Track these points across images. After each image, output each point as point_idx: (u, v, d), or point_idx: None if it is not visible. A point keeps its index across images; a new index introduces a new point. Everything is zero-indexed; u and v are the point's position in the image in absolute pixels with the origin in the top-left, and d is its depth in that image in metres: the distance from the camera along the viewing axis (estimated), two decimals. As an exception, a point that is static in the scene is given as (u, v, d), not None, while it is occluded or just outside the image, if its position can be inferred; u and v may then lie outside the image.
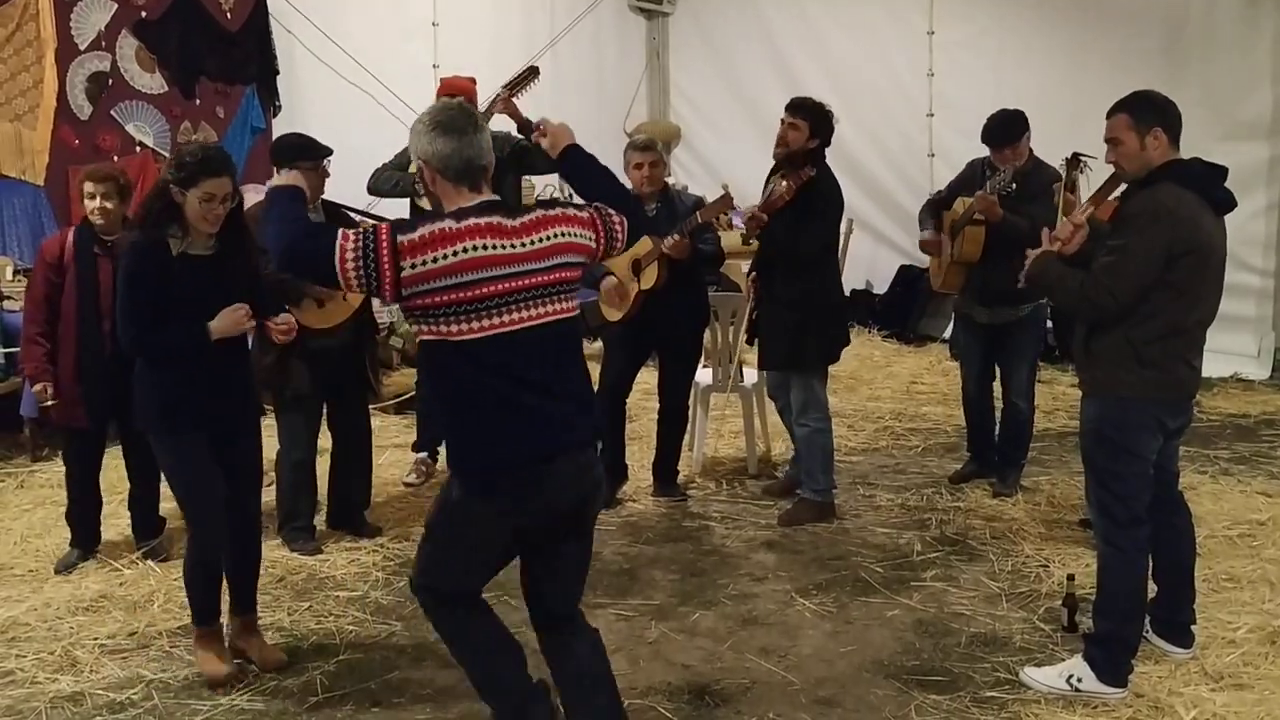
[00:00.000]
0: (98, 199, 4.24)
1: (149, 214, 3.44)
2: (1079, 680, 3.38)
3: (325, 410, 4.69)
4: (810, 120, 4.74)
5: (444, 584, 2.85)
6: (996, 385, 5.32)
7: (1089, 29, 8.02)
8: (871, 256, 9.14)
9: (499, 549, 2.77)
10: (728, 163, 9.55)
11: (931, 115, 8.90)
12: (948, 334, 8.13)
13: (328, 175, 4.44)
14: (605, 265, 4.71)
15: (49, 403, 4.30)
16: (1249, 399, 6.91)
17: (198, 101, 7.25)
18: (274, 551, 4.45)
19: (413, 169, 5.18)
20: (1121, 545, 3.36)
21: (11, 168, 6.32)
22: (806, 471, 4.98)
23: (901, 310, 8.93)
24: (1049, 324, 6.69)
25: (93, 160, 6.15)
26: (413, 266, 2.51)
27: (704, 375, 5.69)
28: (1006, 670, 3.56)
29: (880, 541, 4.71)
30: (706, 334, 5.46)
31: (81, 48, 6.64)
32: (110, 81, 6.77)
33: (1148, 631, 3.60)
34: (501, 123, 4.96)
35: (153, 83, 7.01)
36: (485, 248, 2.56)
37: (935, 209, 5.26)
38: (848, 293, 7.60)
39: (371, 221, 4.57)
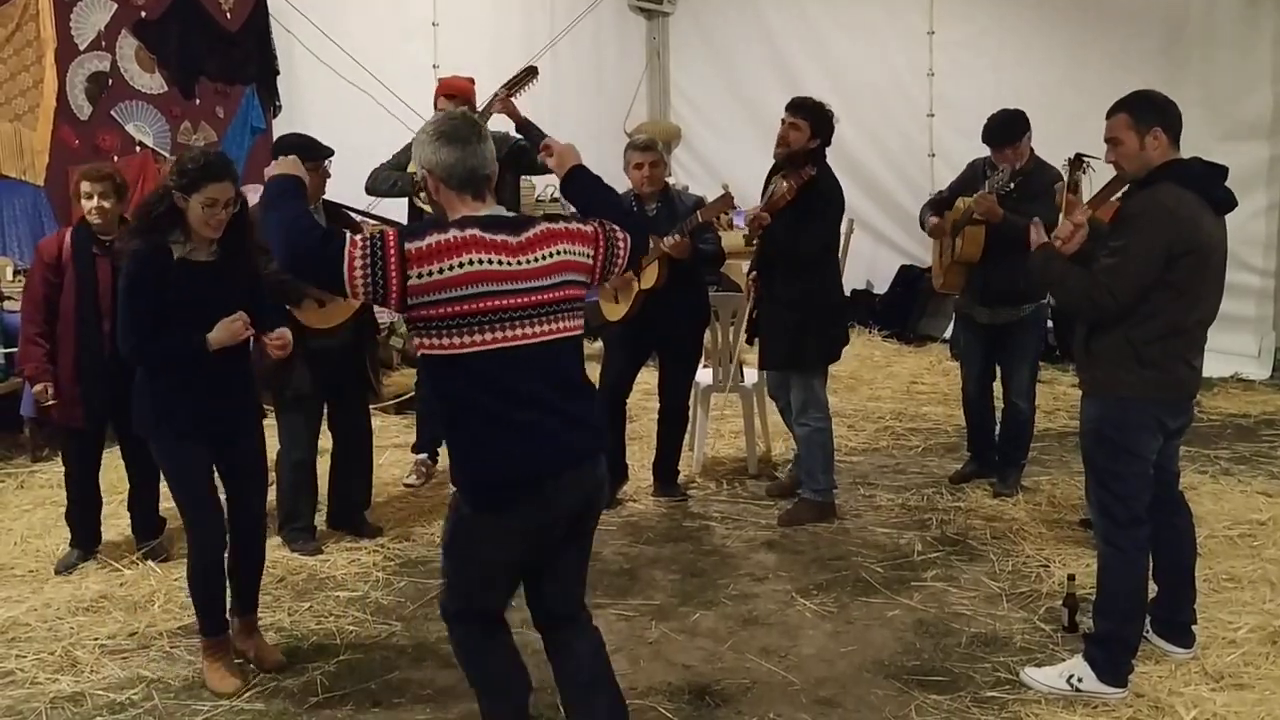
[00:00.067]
0: (95, 198, 4.23)
1: (151, 219, 3.43)
2: (1079, 680, 3.38)
3: (325, 410, 4.69)
4: (811, 120, 4.74)
5: (472, 603, 2.82)
6: (997, 385, 5.32)
7: (1089, 29, 8.02)
8: (871, 256, 9.13)
9: (516, 559, 2.75)
10: (728, 163, 9.55)
11: (931, 115, 8.90)
12: (948, 334, 8.13)
13: (328, 175, 4.44)
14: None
15: (50, 403, 4.30)
16: (1249, 399, 6.91)
17: (197, 101, 7.25)
18: (274, 551, 4.44)
19: (411, 168, 5.19)
20: (1122, 545, 3.36)
21: (11, 168, 6.32)
22: (807, 471, 4.98)
23: (901, 310, 8.93)
24: (1049, 324, 6.69)
25: (93, 160, 6.14)
26: (419, 276, 2.50)
27: (704, 375, 5.69)
28: (1007, 670, 3.56)
29: (880, 541, 4.71)
30: (706, 334, 5.46)
31: (81, 48, 6.64)
32: (110, 81, 6.77)
33: (1148, 631, 3.60)
34: (500, 123, 4.96)
35: (152, 83, 7.01)
36: (487, 262, 2.54)
37: (936, 209, 5.25)
38: (848, 293, 7.61)
39: (374, 222, 4.61)
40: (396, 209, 5.39)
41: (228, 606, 3.64)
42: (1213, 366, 5.27)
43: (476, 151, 2.65)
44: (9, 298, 5.88)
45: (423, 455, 5.57)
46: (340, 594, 4.22)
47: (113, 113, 6.80)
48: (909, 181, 8.99)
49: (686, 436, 5.45)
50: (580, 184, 2.95)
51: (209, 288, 3.44)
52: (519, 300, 2.58)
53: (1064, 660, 3.53)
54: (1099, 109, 3.43)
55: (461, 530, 2.72)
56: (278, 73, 7.63)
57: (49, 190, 6.37)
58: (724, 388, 5.68)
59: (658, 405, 5.28)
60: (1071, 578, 3.89)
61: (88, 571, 4.42)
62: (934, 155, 8.84)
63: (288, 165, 2.84)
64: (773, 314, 4.88)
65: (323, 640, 3.85)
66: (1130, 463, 3.33)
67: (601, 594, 4.15)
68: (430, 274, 2.50)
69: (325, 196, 4.45)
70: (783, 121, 4.80)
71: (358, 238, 2.56)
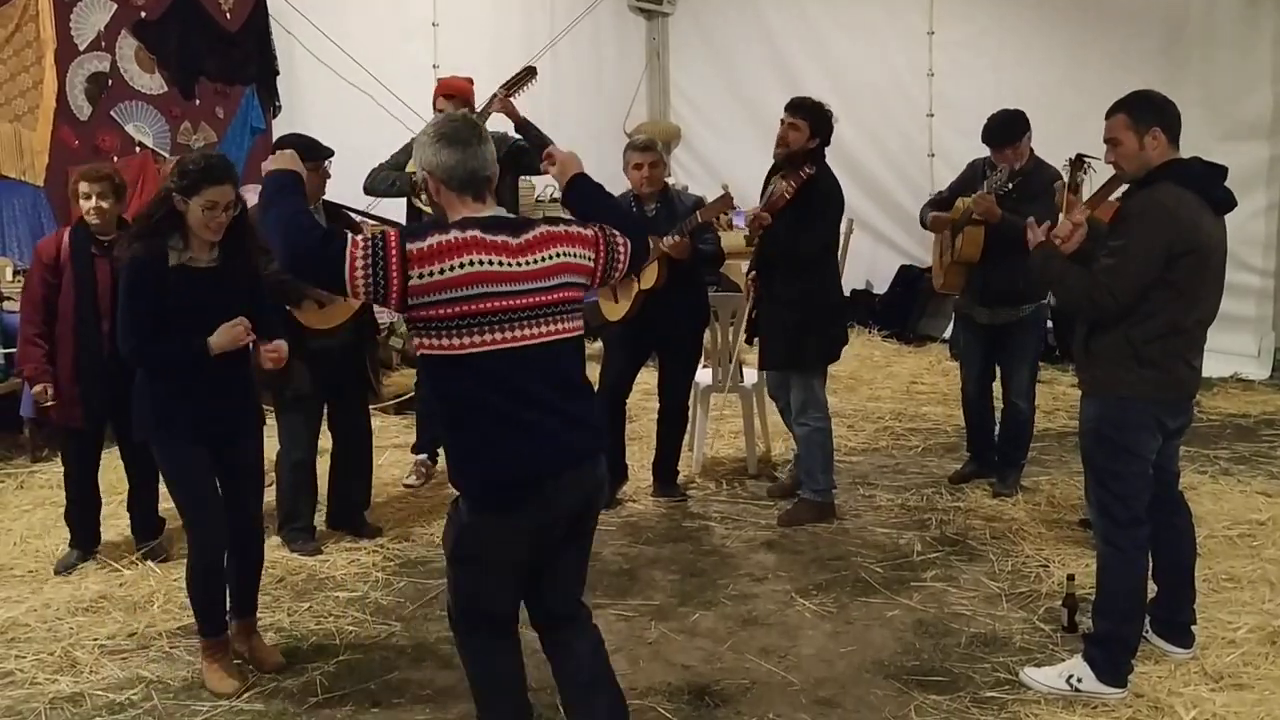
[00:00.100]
0: (93, 199, 4.23)
1: (151, 223, 3.44)
2: (1079, 680, 3.38)
3: (325, 410, 4.69)
4: (810, 120, 4.74)
5: (481, 606, 2.80)
6: (996, 385, 5.32)
7: (1089, 29, 8.02)
8: (871, 256, 9.13)
9: (520, 559, 2.74)
10: (728, 163, 9.55)
11: (931, 115, 8.90)
12: (948, 334, 8.13)
13: (329, 176, 4.44)
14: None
15: (49, 403, 4.29)
16: (1249, 399, 6.91)
17: (197, 102, 7.25)
18: (274, 552, 4.44)
19: (410, 168, 5.19)
20: (1121, 545, 3.36)
21: (11, 168, 6.32)
22: (806, 471, 4.98)
23: (901, 310, 8.93)
24: (1049, 324, 6.69)
25: (93, 161, 6.14)
26: (420, 277, 2.50)
27: (704, 375, 5.69)
28: (1006, 670, 3.56)
29: (880, 541, 4.71)
30: (706, 334, 5.46)
31: (81, 48, 6.63)
32: (110, 82, 6.77)
33: (1148, 631, 3.60)
34: (499, 123, 4.97)
35: (152, 83, 7.01)
36: (487, 263, 2.55)
37: (936, 209, 5.25)
38: (847, 293, 7.62)
39: (373, 223, 4.61)
40: (395, 209, 5.39)
41: (227, 608, 3.64)
42: (1212, 366, 5.27)
43: (477, 153, 2.65)
44: (9, 298, 5.88)
45: (422, 456, 5.57)
46: (340, 594, 4.22)
47: (112, 113, 6.79)
48: (909, 181, 8.99)
49: (686, 437, 5.45)
50: (582, 192, 2.96)
51: (209, 292, 3.43)
52: (518, 301, 2.58)
53: (1063, 660, 3.53)
54: (1099, 109, 3.43)
55: (466, 534, 2.70)
56: (278, 73, 7.63)
57: (49, 191, 6.37)
58: (724, 388, 5.68)
59: (657, 405, 5.28)
60: (1071, 578, 3.89)
61: (87, 572, 4.42)
62: (934, 155, 8.84)
63: (285, 160, 2.84)
64: (772, 314, 4.88)
65: (322, 640, 3.85)
66: (1130, 462, 3.33)
67: (601, 594, 4.15)
68: (431, 274, 2.51)
69: (325, 197, 4.45)
70: (782, 122, 4.80)
71: (359, 238, 2.56)
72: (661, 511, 5.13)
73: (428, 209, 5.14)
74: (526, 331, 2.59)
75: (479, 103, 5.25)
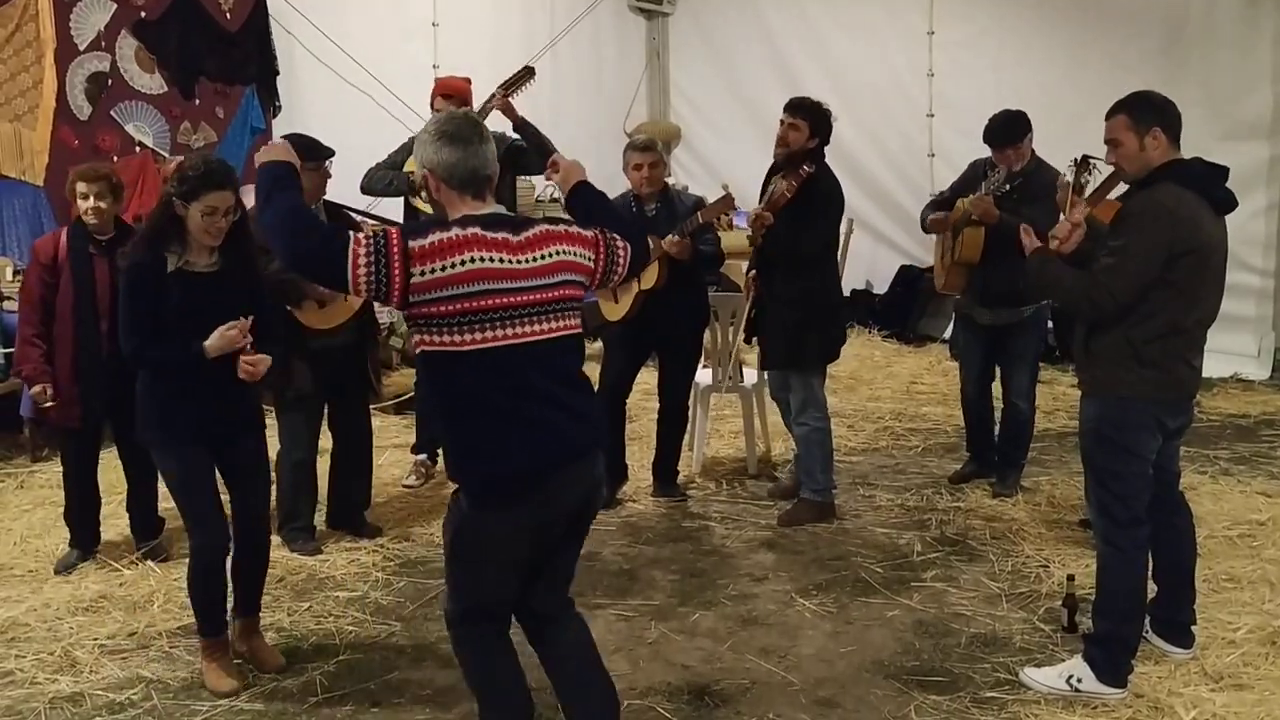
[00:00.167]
0: (91, 199, 4.22)
1: (155, 230, 3.43)
2: (1079, 680, 3.38)
3: (326, 410, 4.69)
4: (810, 120, 4.74)
5: (477, 600, 2.79)
6: (996, 385, 5.32)
7: (1089, 29, 8.02)
8: (871, 256, 9.13)
9: (522, 555, 2.74)
10: (728, 163, 9.55)
11: (931, 115, 8.90)
12: (948, 334, 8.13)
13: (329, 176, 4.44)
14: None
15: (49, 404, 4.29)
16: (1249, 399, 6.91)
17: (197, 102, 7.25)
18: (274, 551, 4.39)
19: (409, 168, 5.19)
20: (1121, 545, 3.36)
21: (11, 168, 6.32)
22: (806, 471, 4.98)
23: (901, 310, 8.92)
24: (1049, 324, 6.69)
25: (93, 161, 6.14)
26: (421, 274, 2.51)
27: (704, 375, 5.69)
28: (1006, 670, 3.56)
29: (880, 541, 4.71)
30: (706, 334, 5.46)
31: (81, 48, 6.63)
32: (110, 82, 6.77)
33: (1148, 632, 3.60)
34: (497, 122, 4.97)
35: (152, 83, 7.01)
36: (488, 260, 2.56)
37: (937, 210, 5.24)
38: (847, 293, 7.62)
39: (373, 222, 4.62)
40: (392, 209, 5.39)
41: (229, 607, 3.64)
42: (1212, 366, 5.27)
43: (478, 152, 2.66)
44: (8, 298, 5.88)
45: (422, 456, 5.57)
46: (340, 594, 4.22)
47: (112, 113, 6.79)
48: (909, 181, 9.00)
49: (686, 436, 5.45)
50: (584, 200, 2.98)
51: (208, 296, 3.43)
52: (519, 298, 2.59)
53: (1063, 660, 3.53)
54: (1099, 109, 3.43)
55: (467, 531, 2.71)
56: (277, 73, 7.63)
57: (49, 190, 6.37)
58: (724, 388, 5.68)
59: (657, 405, 5.28)
60: (1071, 578, 3.89)
61: (87, 571, 4.42)
62: (934, 155, 8.84)
63: (279, 151, 2.82)
64: (773, 313, 4.88)
65: (322, 640, 3.85)
66: (1130, 462, 3.32)
67: (601, 594, 4.16)
68: (433, 271, 2.51)
69: (325, 196, 4.45)
70: (782, 122, 4.80)
71: (361, 235, 2.57)
72: (661, 511, 5.13)
73: (425, 208, 5.15)
74: (527, 328, 2.60)
75: (477, 102, 5.25)
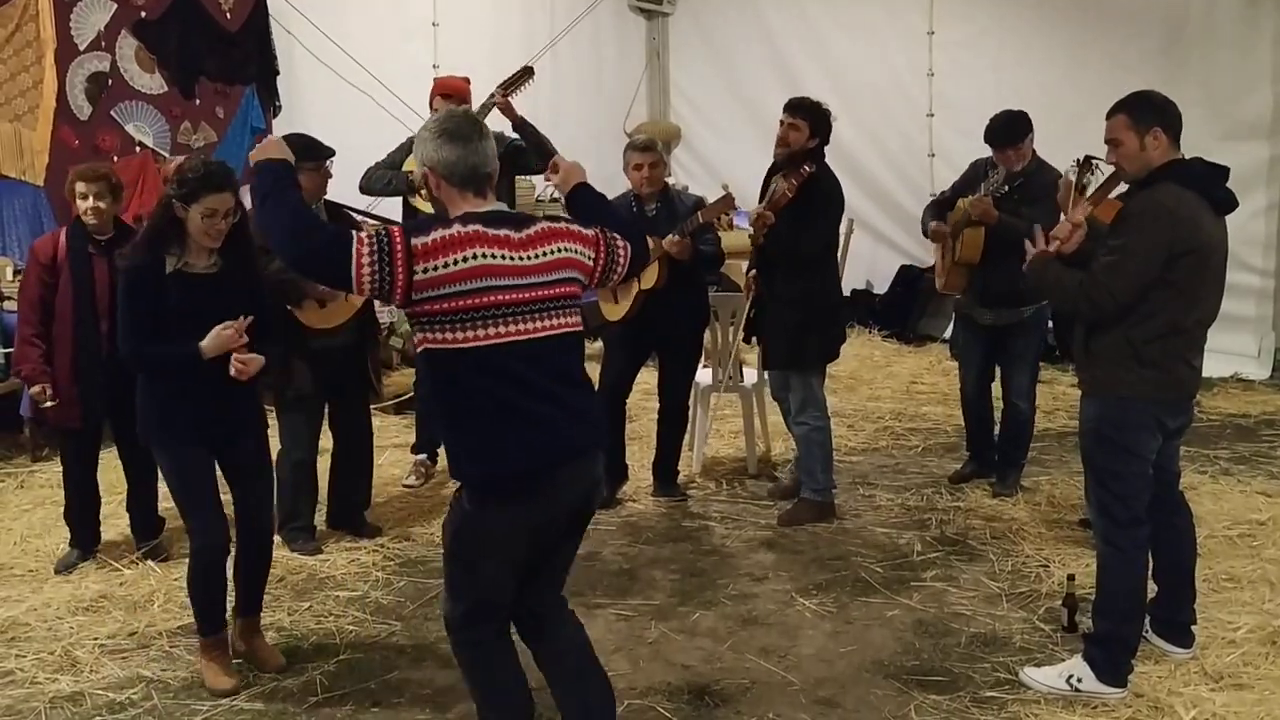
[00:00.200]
0: (90, 199, 4.21)
1: (155, 232, 3.43)
2: (1079, 680, 3.38)
3: (326, 410, 4.69)
4: (810, 120, 4.74)
5: (477, 599, 2.78)
6: (996, 385, 5.32)
7: (1089, 29, 8.02)
8: (871, 256, 9.13)
9: (521, 554, 2.73)
10: (728, 163, 9.56)
11: (931, 115, 8.90)
12: (948, 334, 8.12)
13: (330, 176, 4.44)
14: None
15: (48, 404, 4.28)
16: (1249, 399, 6.91)
17: (197, 101, 7.25)
18: (274, 551, 4.42)
19: (408, 167, 5.20)
20: (1121, 545, 3.36)
21: (11, 168, 6.32)
22: (806, 470, 4.98)
23: (901, 310, 8.93)
24: (1049, 324, 6.69)
25: (93, 160, 6.14)
26: (424, 271, 2.52)
27: (704, 375, 5.69)
28: (1006, 670, 3.56)
29: (880, 541, 4.71)
30: (706, 334, 5.46)
31: (81, 48, 6.64)
32: (110, 82, 6.77)
33: (1148, 631, 3.60)
34: (495, 122, 4.97)
35: (152, 83, 7.02)
36: (491, 256, 2.57)
37: (938, 211, 5.25)
38: (847, 293, 7.62)
39: (374, 222, 4.62)
40: (391, 209, 5.39)
41: (230, 607, 3.64)
42: (1213, 366, 5.28)
43: (478, 149, 2.67)
44: (8, 298, 5.88)
45: (422, 456, 5.57)
46: (340, 594, 4.22)
47: (113, 113, 6.80)
48: (909, 181, 9.00)
49: (686, 436, 5.45)
50: (584, 201, 2.99)
51: (207, 298, 3.42)
52: (521, 295, 2.60)
53: (1063, 660, 3.53)
54: (1099, 109, 3.44)
55: (468, 529, 2.70)
56: (278, 73, 7.64)
57: (49, 190, 6.37)
58: (723, 387, 5.68)
59: (657, 405, 5.28)
60: (1071, 578, 3.89)
61: (87, 571, 4.42)
62: (934, 155, 8.84)
63: (273, 148, 2.81)
64: (774, 313, 4.88)
65: (322, 640, 3.85)
66: (1130, 462, 3.32)
67: (601, 594, 4.16)
68: (436, 268, 2.52)
69: (325, 196, 4.46)
70: (781, 122, 4.81)
71: (364, 235, 2.57)
72: (661, 511, 5.13)
73: (424, 208, 5.16)
74: (529, 325, 2.61)
75: (476, 102, 5.25)
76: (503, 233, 2.61)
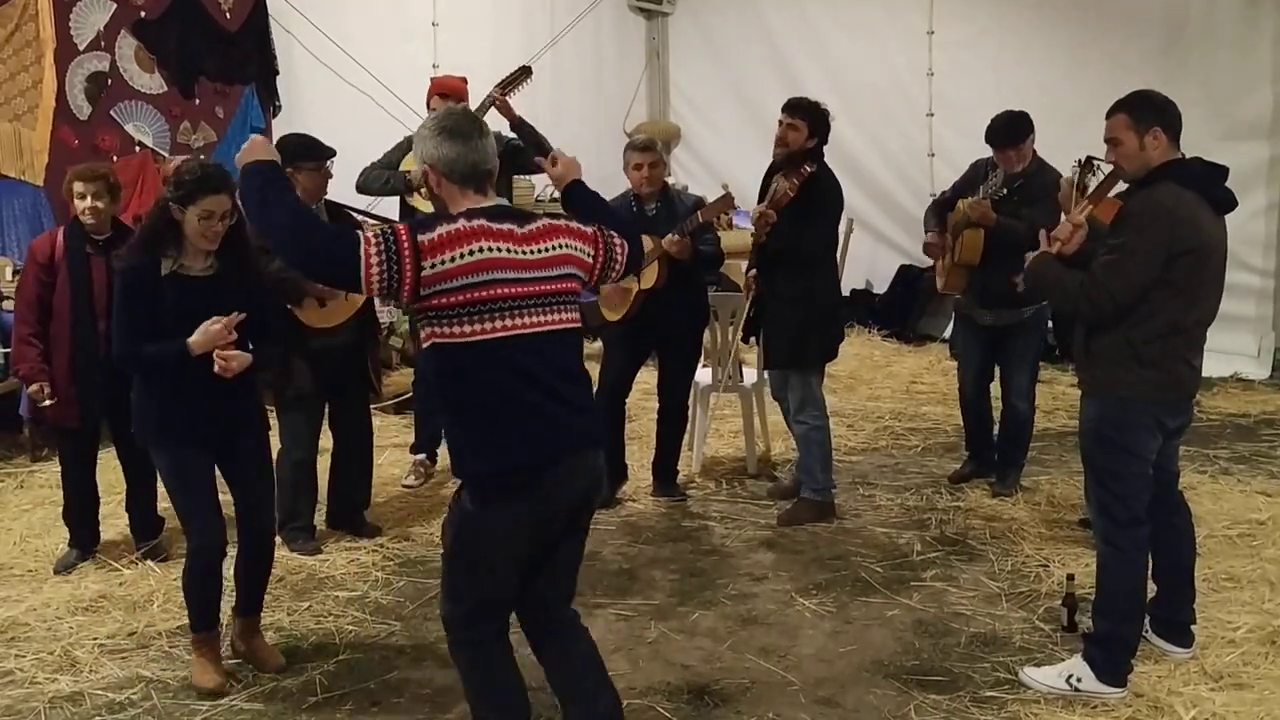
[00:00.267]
0: (88, 198, 4.21)
1: (151, 234, 3.43)
2: (1078, 680, 3.38)
3: (326, 410, 4.69)
4: (808, 119, 4.75)
5: (477, 600, 2.77)
6: (995, 385, 5.32)
7: (1089, 29, 8.02)
8: (871, 256, 9.13)
9: (523, 553, 2.73)
10: (728, 163, 9.56)
11: (931, 115, 8.90)
12: (948, 334, 8.13)
13: (330, 176, 4.44)
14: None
15: (47, 402, 4.28)
16: (1249, 399, 6.91)
17: (197, 101, 7.25)
18: (274, 551, 4.44)
19: (406, 167, 5.20)
20: (1121, 545, 3.36)
21: (11, 168, 6.32)
22: (805, 470, 4.98)
23: (901, 310, 8.93)
24: (1049, 324, 6.69)
25: (93, 160, 6.14)
26: (432, 266, 2.52)
27: (704, 375, 5.69)
28: (1006, 670, 3.55)
29: (880, 541, 4.71)
30: (706, 333, 5.46)
31: (81, 48, 6.63)
32: (109, 81, 6.77)
33: (1147, 631, 3.60)
34: (493, 122, 4.97)
35: (152, 83, 7.01)
36: (496, 250, 2.58)
37: (940, 210, 5.25)
38: (847, 293, 7.62)
39: (374, 222, 4.62)
40: (388, 208, 5.39)
41: (228, 606, 3.63)
42: (1212, 366, 5.28)
43: (478, 147, 2.68)
44: (8, 297, 5.88)
45: (421, 456, 5.57)
46: (339, 594, 4.22)
47: (112, 113, 6.79)
48: (909, 181, 9.00)
49: (686, 436, 5.45)
50: (580, 198, 3.01)
51: (203, 301, 3.39)
52: (526, 289, 2.61)
53: (1063, 660, 3.53)
54: (1099, 109, 3.44)
55: (469, 529, 2.70)
56: (277, 73, 7.64)
57: (49, 190, 6.37)
58: (723, 387, 5.68)
59: (657, 405, 5.28)
60: (1070, 577, 3.89)
61: (87, 571, 4.42)
62: (934, 155, 8.84)
63: (259, 149, 2.78)
64: (775, 312, 4.88)
65: (322, 640, 3.85)
66: (1129, 462, 3.32)
67: (601, 594, 4.15)
68: (443, 263, 2.53)
69: (325, 196, 4.46)
70: (780, 122, 4.81)
71: (370, 233, 2.56)
72: (661, 511, 5.13)
73: (422, 207, 5.16)
74: (532, 319, 2.62)
75: (474, 102, 5.25)
76: (506, 227, 2.62)
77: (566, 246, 2.71)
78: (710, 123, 10.18)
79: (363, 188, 5.37)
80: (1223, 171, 3.32)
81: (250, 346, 3.49)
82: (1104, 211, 3.51)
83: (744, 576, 4.37)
